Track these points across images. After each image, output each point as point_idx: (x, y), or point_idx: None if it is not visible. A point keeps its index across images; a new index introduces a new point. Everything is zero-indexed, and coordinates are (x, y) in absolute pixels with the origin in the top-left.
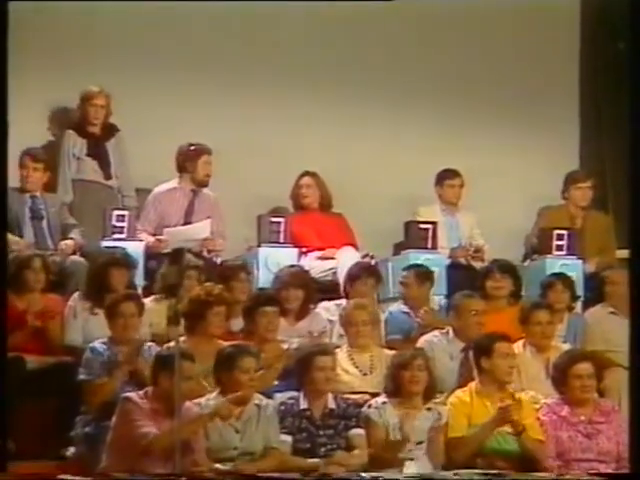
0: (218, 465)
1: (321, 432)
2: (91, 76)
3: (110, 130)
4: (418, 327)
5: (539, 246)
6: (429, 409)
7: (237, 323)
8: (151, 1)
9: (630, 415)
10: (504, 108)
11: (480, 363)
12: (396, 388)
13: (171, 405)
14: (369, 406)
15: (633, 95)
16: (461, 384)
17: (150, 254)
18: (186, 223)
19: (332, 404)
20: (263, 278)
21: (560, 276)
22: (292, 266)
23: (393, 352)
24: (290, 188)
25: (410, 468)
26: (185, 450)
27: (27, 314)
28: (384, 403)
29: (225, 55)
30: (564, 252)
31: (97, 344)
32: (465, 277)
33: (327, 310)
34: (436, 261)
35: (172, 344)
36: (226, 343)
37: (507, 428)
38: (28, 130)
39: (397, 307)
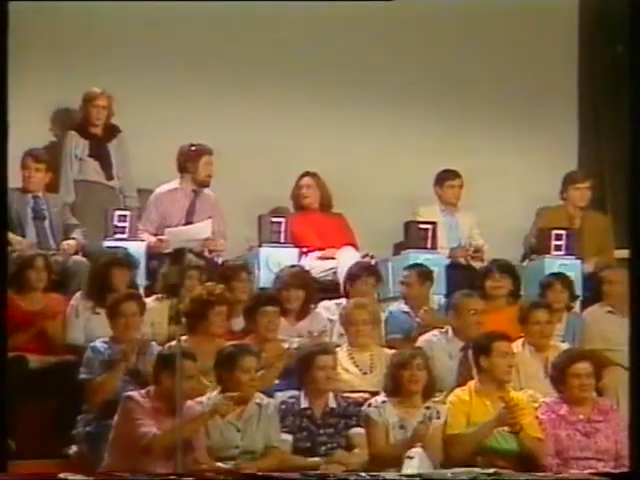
0: (219, 464)
1: (321, 431)
2: (91, 76)
3: (112, 131)
4: (418, 326)
5: (538, 246)
6: (428, 408)
7: (238, 323)
8: (151, 1)
9: (630, 414)
10: (503, 109)
11: (479, 362)
12: (396, 387)
13: (173, 404)
14: (369, 405)
15: (632, 96)
16: (460, 383)
17: (152, 254)
18: (187, 223)
19: (333, 403)
20: (264, 278)
21: (559, 276)
22: (293, 266)
23: (393, 351)
24: (290, 188)
25: (410, 466)
26: (186, 449)
27: (29, 313)
28: (384, 402)
29: (225, 56)
30: (563, 252)
31: (98, 343)
32: (464, 277)
33: (327, 309)
34: (436, 261)
35: (174, 343)
36: (227, 342)
37: (506, 427)
38: (28, 130)
39: (397, 306)
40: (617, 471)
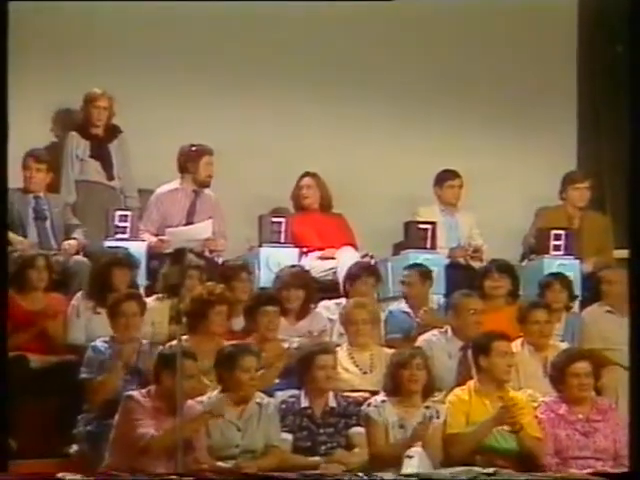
0: (220, 463)
1: (322, 430)
2: (91, 77)
3: (113, 132)
4: (417, 326)
5: (537, 246)
6: (427, 407)
7: (238, 322)
8: (151, 1)
9: (630, 414)
10: (503, 109)
11: (478, 362)
12: (395, 387)
13: (173, 403)
14: (368, 404)
15: (632, 96)
16: (460, 382)
17: (152, 254)
18: (188, 223)
19: (333, 402)
20: (264, 278)
21: (558, 276)
22: (293, 266)
23: (393, 351)
24: (291, 189)
25: (409, 465)
26: (187, 448)
27: (30, 313)
28: (383, 401)
29: (226, 56)
30: (562, 252)
31: (99, 343)
32: (464, 277)
33: (327, 309)
34: (435, 261)
35: (174, 343)
36: (227, 342)
37: (505, 426)
38: (29, 130)
39: (397, 306)
40: (616, 471)
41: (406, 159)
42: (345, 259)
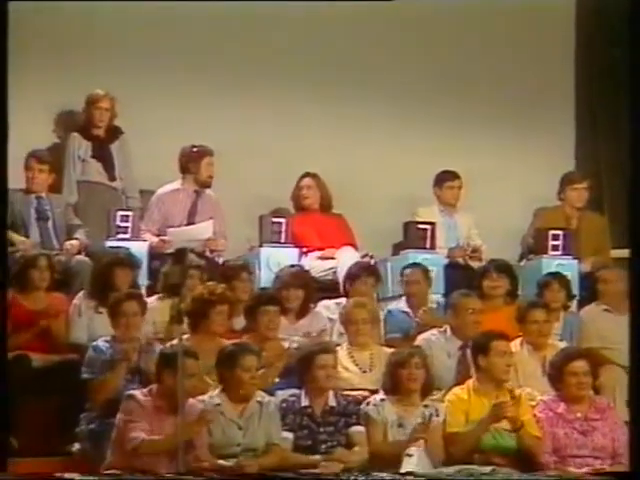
0: (221, 461)
1: (322, 429)
2: (92, 77)
3: (114, 133)
4: (417, 326)
5: (535, 246)
6: (426, 406)
7: (239, 322)
8: (151, 1)
9: (630, 414)
10: (502, 109)
11: (477, 361)
12: (394, 386)
13: (175, 402)
14: (368, 403)
15: (632, 96)
16: (459, 381)
17: (154, 254)
18: (189, 223)
19: (333, 401)
20: (264, 278)
21: (556, 275)
22: (293, 266)
23: (392, 350)
24: (291, 189)
25: (409, 464)
26: (188, 447)
27: (32, 312)
28: (382, 400)
29: (226, 56)
30: (560, 252)
31: (100, 342)
32: (463, 276)
33: (327, 309)
34: (434, 261)
35: (175, 342)
36: (228, 341)
37: (505, 425)
38: (29, 131)
39: (396, 306)
40: (614, 470)
41: (406, 159)
42: (345, 259)
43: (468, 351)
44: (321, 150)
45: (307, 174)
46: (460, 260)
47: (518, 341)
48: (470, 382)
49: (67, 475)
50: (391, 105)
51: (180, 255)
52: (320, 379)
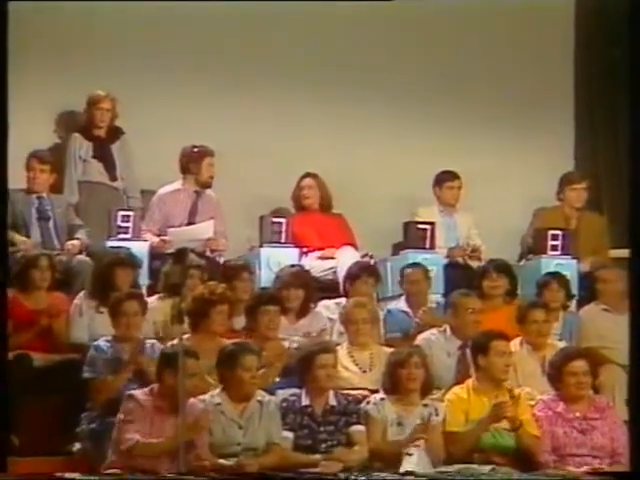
0: (221, 460)
1: (322, 428)
2: (92, 77)
3: (115, 133)
4: (416, 325)
5: (534, 246)
6: (426, 405)
7: (239, 321)
8: (151, 1)
9: (629, 413)
10: (502, 109)
11: (477, 361)
12: (394, 385)
13: (175, 402)
14: (368, 402)
15: (632, 96)
16: (458, 381)
17: (154, 254)
18: (190, 223)
19: (333, 401)
20: (265, 277)
21: (555, 275)
22: (293, 266)
23: (392, 350)
24: (291, 189)
25: (409, 463)
26: (188, 446)
27: (33, 312)
28: (382, 399)
29: (226, 56)
30: (559, 252)
31: (101, 342)
32: (462, 276)
33: (327, 308)
34: (434, 261)
35: (176, 342)
36: (228, 341)
37: (505, 424)
38: (29, 131)
39: (396, 306)
40: (613, 469)
41: (406, 159)
42: (345, 259)
43: (468, 351)
44: (321, 150)
45: (307, 174)
46: (460, 260)
47: (517, 341)
48: (470, 382)
49: (68, 475)
50: (391, 105)
51: (181, 255)
52: (320, 379)
